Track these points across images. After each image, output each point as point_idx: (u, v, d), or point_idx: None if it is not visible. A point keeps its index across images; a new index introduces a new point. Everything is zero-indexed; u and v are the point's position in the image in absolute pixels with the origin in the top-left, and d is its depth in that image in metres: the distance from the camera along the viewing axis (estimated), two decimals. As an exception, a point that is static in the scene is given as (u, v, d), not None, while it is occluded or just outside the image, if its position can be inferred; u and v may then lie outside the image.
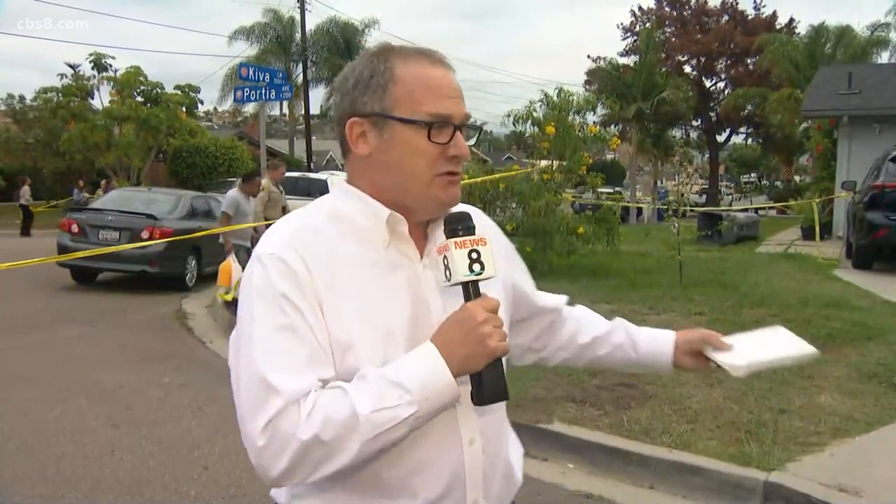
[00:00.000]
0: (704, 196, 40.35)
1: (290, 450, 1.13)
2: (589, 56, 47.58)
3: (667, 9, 43.51)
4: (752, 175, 68.46)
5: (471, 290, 1.23)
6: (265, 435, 1.13)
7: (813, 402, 4.90)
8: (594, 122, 14.38)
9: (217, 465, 4.35)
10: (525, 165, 13.21)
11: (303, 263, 1.21)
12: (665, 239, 11.24)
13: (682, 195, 11.00)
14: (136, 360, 7.00)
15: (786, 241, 17.12)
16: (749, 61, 40.43)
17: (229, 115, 62.24)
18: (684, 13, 43.52)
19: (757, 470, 3.86)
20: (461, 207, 1.32)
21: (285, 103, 34.60)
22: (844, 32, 31.30)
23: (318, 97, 55.21)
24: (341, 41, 34.23)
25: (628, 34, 43.77)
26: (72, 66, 27.99)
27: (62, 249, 10.52)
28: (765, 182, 62.20)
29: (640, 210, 30.45)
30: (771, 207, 32.25)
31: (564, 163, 11.14)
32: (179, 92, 27.77)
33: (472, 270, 1.21)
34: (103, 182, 25.91)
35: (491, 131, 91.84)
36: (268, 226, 1.31)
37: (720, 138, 46.91)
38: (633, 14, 44.19)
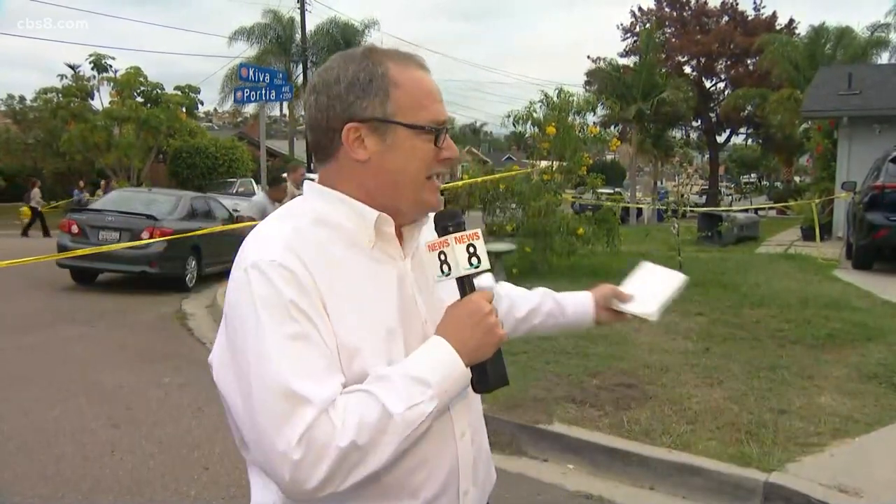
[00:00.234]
0: (704, 196, 40.36)
1: (328, 458, 1.09)
2: (589, 56, 47.64)
3: (667, 9, 43.52)
4: (752, 175, 68.47)
5: (466, 284, 1.27)
6: (300, 448, 1.08)
7: (813, 402, 4.90)
8: (594, 123, 14.40)
9: (217, 466, 4.35)
10: (525, 166, 13.21)
11: (305, 269, 1.17)
12: (665, 239, 11.24)
13: (682, 196, 11.02)
14: (136, 361, 7.00)
15: (786, 242, 17.11)
16: (749, 62, 40.43)
17: (229, 115, 62.24)
18: (684, 14, 43.54)
19: (757, 470, 3.86)
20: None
21: (285, 104, 34.52)
22: (844, 33, 31.30)
23: (318, 98, 54.82)
24: (341, 42, 34.16)
25: (628, 35, 43.82)
26: (72, 67, 28.02)
27: (62, 250, 10.52)
28: (765, 182, 62.21)
29: (640, 211, 30.45)
30: (771, 208, 32.25)
31: (564, 163, 11.14)
32: (179, 92, 27.78)
33: (471, 264, 1.26)
34: (103, 182, 25.92)
35: (491, 132, 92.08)
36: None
37: (720, 139, 46.92)
38: (633, 14, 44.26)
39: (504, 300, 1.75)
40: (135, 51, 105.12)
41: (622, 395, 5.02)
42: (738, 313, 7.66)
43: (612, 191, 24.06)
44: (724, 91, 43.70)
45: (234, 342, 1.18)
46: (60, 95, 26.86)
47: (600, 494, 3.97)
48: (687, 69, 43.53)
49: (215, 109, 59.04)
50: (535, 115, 11.24)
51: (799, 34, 37.28)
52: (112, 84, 26.54)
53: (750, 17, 42.54)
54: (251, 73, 12.97)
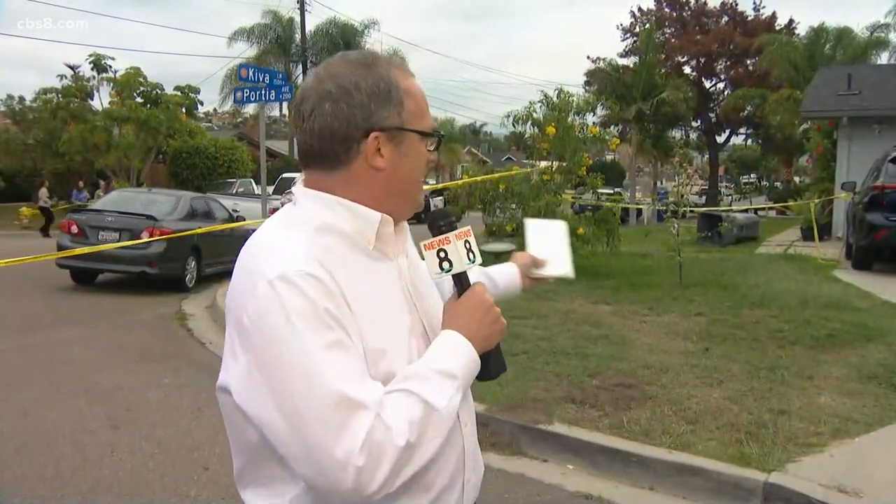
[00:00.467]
0: (704, 197, 40.37)
1: (387, 460, 1.10)
2: (588, 57, 47.56)
3: (666, 9, 43.53)
4: (752, 176, 68.45)
5: (463, 279, 1.34)
6: (363, 453, 1.09)
7: (813, 402, 4.90)
8: (594, 123, 14.38)
9: (217, 466, 4.35)
10: (525, 166, 13.21)
11: (330, 276, 1.17)
12: (665, 240, 11.21)
13: (682, 196, 10.99)
14: (135, 361, 7.00)
15: (785, 242, 17.11)
16: (749, 62, 40.44)
17: (229, 115, 62.19)
18: (684, 14, 43.54)
19: (757, 471, 3.86)
20: None
21: (285, 104, 34.54)
22: (844, 33, 31.31)
23: (317, 98, 54.81)
24: (341, 42, 34.23)
25: (628, 35, 43.81)
26: (71, 67, 27.97)
27: (61, 250, 10.51)
28: (764, 183, 62.18)
29: (639, 211, 30.43)
30: (771, 208, 32.24)
31: (564, 163, 11.14)
32: (179, 93, 27.77)
33: (470, 259, 1.33)
34: (103, 183, 25.90)
35: (490, 132, 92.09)
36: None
37: (720, 139, 46.92)
38: (633, 15, 44.27)
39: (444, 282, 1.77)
40: (134, 51, 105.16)
41: (622, 395, 5.02)
42: (738, 314, 7.67)
43: (611, 191, 24.04)
44: (723, 91, 43.72)
45: (268, 359, 1.14)
46: (60, 96, 26.82)
47: (600, 495, 3.97)
48: (687, 69, 43.53)
49: (215, 110, 59.10)
50: (534, 115, 11.24)
51: (798, 34, 37.30)
52: (112, 84, 26.52)
53: (750, 18, 42.56)
54: (251, 73, 12.93)
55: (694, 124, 45.11)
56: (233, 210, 14.17)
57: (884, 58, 30.82)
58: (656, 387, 5.21)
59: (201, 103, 30.38)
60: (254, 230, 1.36)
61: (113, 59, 26.71)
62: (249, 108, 34.47)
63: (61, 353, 7.18)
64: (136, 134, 25.89)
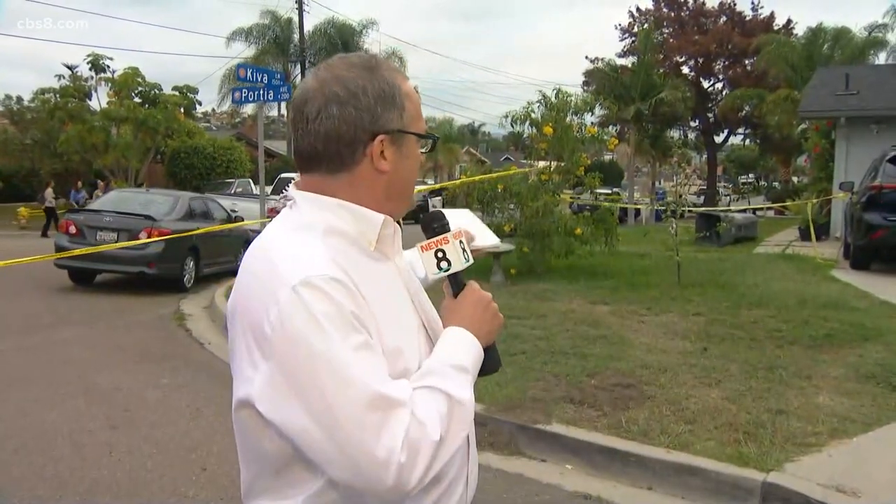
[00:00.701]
0: (702, 197, 40.37)
1: (424, 455, 1.13)
2: (587, 57, 47.43)
3: (665, 9, 43.52)
4: (750, 176, 68.51)
5: (459, 277, 1.38)
6: (405, 450, 1.10)
7: (811, 402, 4.91)
8: (592, 123, 14.38)
9: (215, 467, 4.35)
10: (524, 166, 13.21)
11: (350, 279, 1.18)
12: (663, 240, 11.22)
13: (680, 196, 10.99)
14: (134, 362, 7.00)
15: (784, 242, 17.13)
16: (747, 62, 40.44)
17: (227, 116, 62.17)
18: (682, 14, 43.54)
19: (755, 470, 3.86)
20: None
21: (283, 104, 34.55)
22: (842, 33, 31.32)
23: (316, 98, 54.81)
24: (339, 42, 34.25)
25: (626, 35, 43.79)
26: (69, 67, 27.96)
27: (60, 251, 10.51)
28: (763, 183, 62.25)
29: (638, 211, 30.44)
30: (769, 208, 32.27)
31: (562, 163, 11.15)
32: (177, 93, 27.76)
33: (465, 259, 1.38)
34: (101, 183, 25.89)
35: (489, 132, 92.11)
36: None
37: (718, 139, 46.94)
38: (631, 15, 44.25)
39: None
40: (133, 51, 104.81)
41: (620, 395, 5.03)
42: (736, 314, 7.67)
43: (610, 191, 24.05)
44: (721, 91, 43.71)
45: (297, 365, 1.12)
46: (58, 96, 26.80)
47: (598, 495, 3.97)
48: (685, 69, 43.53)
49: (213, 110, 59.05)
50: (532, 115, 11.25)
51: (796, 35, 37.33)
52: (110, 84, 26.52)
53: (748, 18, 42.57)
54: (249, 73, 12.92)
55: (692, 124, 45.12)
56: (231, 210, 14.18)
57: (882, 58, 30.90)
58: (655, 387, 5.21)
59: (199, 103, 30.42)
60: (253, 230, 1.36)
61: (111, 59, 26.73)
62: (248, 109, 34.58)
63: (60, 354, 7.18)
64: (135, 134, 25.90)
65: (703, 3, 43.18)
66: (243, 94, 12.95)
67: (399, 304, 1.31)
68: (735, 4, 42.81)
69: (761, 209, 32.68)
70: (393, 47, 36.94)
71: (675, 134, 43.75)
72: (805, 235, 16.16)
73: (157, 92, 26.76)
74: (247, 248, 1.36)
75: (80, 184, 25.65)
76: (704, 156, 50.88)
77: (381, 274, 1.29)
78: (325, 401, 1.11)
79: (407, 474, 1.11)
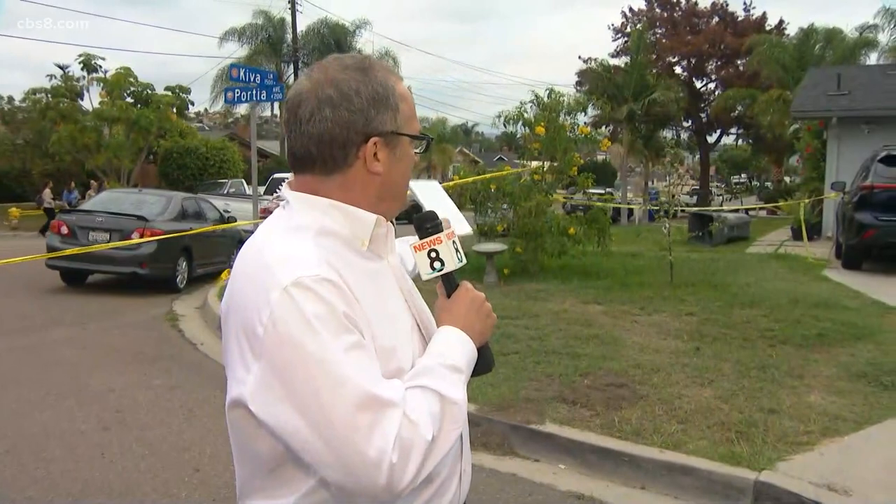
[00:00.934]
0: (695, 197, 40.48)
1: (416, 455, 1.13)
2: (580, 57, 47.57)
3: (657, 10, 43.58)
4: (743, 176, 68.73)
5: (452, 277, 1.39)
6: (396, 450, 1.10)
7: (803, 401, 4.93)
8: (585, 123, 14.41)
9: (208, 468, 4.34)
10: (517, 166, 13.22)
11: (342, 279, 1.18)
12: (656, 240, 11.27)
13: (673, 196, 11.02)
14: (126, 363, 6.97)
15: (776, 242, 17.19)
16: (739, 62, 40.53)
17: (220, 116, 62.05)
18: (675, 14, 43.60)
19: (747, 469, 3.88)
20: None
21: (276, 104, 34.50)
22: (833, 34, 31.43)
23: (309, 98, 54.78)
24: (332, 42, 34.22)
25: (619, 35, 43.85)
26: (61, 67, 27.87)
27: (52, 251, 10.47)
28: (755, 183, 62.46)
29: (631, 211, 30.51)
30: (761, 208, 32.38)
31: (555, 163, 11.16)
32: (170, 93, 27.68)
33: (459, 259, 1.38)
34: (94, 183, 25.80)
35: (482, 132, 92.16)
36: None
37: (711, 139, 47.03)
38: (624, 15, 44.31)
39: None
40: (125, 51, 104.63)
41: (613, 395, 5.04)
42: (729, 313, 7.69)
43: (603, 191, 24.10)
44: (714, 91, 43.80)
45: (289, 366, 1.12)
46: (49, 96, 26.71)
47: (591, 494, 3.98)
48: (678, 70, 43.59)
49: (206, 110, 58.90)
50: (525, 115, 11.25)
51: (788, 35, 37.44)
52: (102, 84, 26.41)
53: (740, 18, 42.67)
54: (242, 73, 12.87)
55: (685, 124, 45.16)
56: (224, 211, 14.14)
57: (873, 58, 30.98)
58: (647, 386, 5.23)
59: (192, 103, 30.31)
60: (246, 231, 1.36)
61: (103, 59, 26.62)
62: (241, 109, 34.49)
63: (52, 355, 7.15)
64: (127, 134, 25.79)
65: (696, 4, 43.26)
66: (236, 95, 12.92)
67: (392, 304, 1.31)
68: (727, 5, 42.91)
69: (754, 209, 32.78)
70: (386, 47, 36.94)
71: (667, 134, 43.75)
72: (797, 235, 16.22)
73: (149, 92, 26.65)
74: (240, 248, 1.36)
75: (72, 184, 25.56)
76: (697, 156, 51.05)
77: (374, 273, 1.30)
78: (316, 401, 1.11)
79: (399, 474, 1.11)
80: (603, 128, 33.00)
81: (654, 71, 37.19)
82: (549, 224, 10.72)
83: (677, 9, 43.53)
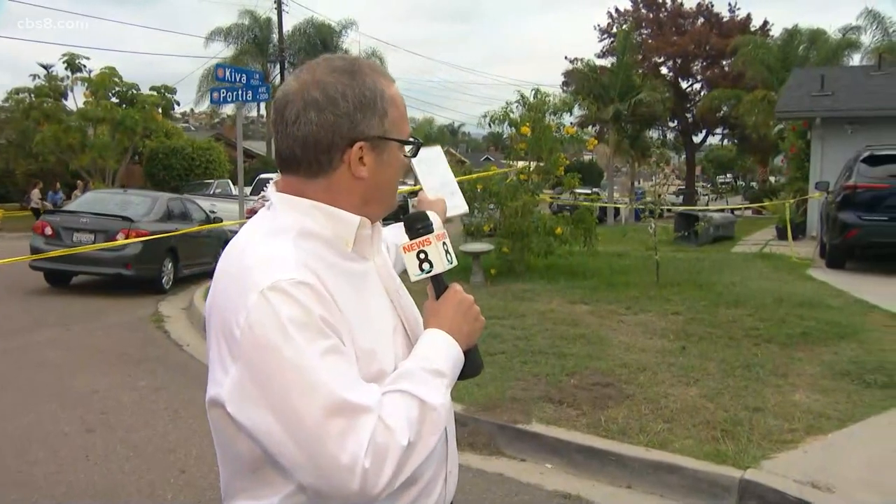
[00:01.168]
0: (681, 196, 40.68)
1: (391, 460, 1.12)
2: (566, 57, 47.58)
3: (643, 10, 43.80)
4: (728, 176, 69.10)
5: (441, 278, 1.37)
6: (369, 456, 1.10)
7: (787, 399, 4.96)
8: (571, 123, 14.43)
9: (194, 469, 4.32)
10: (503, 167, 13.24)
11: (320, 282, 1.17)
12: (642, 239, 11.33)
13: (659, 196, 11.07)
14: (111, 364, 6.92)
15: (761, 241, 17.29)
16: (724, 63, 40.77)
17: (206, 116, 61.73)
18: (660, 15, 43.82)
19: (732, 468, 3.90)
20: None
21: (263, 105, 34.39)
22: (817, 35, 31.65)
23: (295, 98, 54.66)
24: (318, 42, 34.16)
25: (605, 36, 44.04)
26: (45, 67, 27.61)
27: (35, 252, 10.39)
28: (740, 182, 62.81)
29: (617, 210, 30.63)
30: (747, 208, 32.58)
31: (542, 164, 11.18)
32: (155, 93, 27.50)
33: (448, 260, 1.37)
34: (80, 183, 25.60)
35: (469, 132, 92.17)
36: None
37: (696, 139, 47.30)
38: (610, 16, 44.50)
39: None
40: (110, 51, 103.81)
41: (599, 394, 5.05)
42: (714, 312, 7.73)
43: (589, 191, 24.18)
44: (700, 92, 44.05)
45: (265, 370, 1.12)
46: (33, 96, 26.46)
47: (578, 494, 3.99)
48: (663, 70, 43.82)
49: (192, 110, 58.59)
50: (511, 115, 11.26)
51: (773, 36, 37.68)
52: (86, 84, 26.21)
53: (725, 19, 42.94)
54: (228, 73, 12.82)
55: (671, 124, 45.43)
56: (210, 211, 14.07)
57: (856, 59, 31.20)
58: (633, 386, 5.25)
59: (178, 104, 30.10)
60: (232, 231, 1.35)
61: (87, 58, 26.38)
62: (227, 109, 34.30)
63: (35, 357, 7.09)
64: (112, 134, 25.58)
65: (681, 5, 43.51)
66: (222, 95, 12.86)
67: (375, 306, 1.31)
68: (712, 6, 43.19)
69: (739, 209, 33.00)
70: (373, 47, 36.89)
71: (653, 134, 44.04)
72: (782, 235, 16.34)
73: (134, 92, 26.46)
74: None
75: (57, 185, 25.35)
76: (683, 156, 51.29)
77: (357, 275, 1.29)
78: (290, 406, 1.11)
79: (372, 480, 1.11)
80: (589, 128, 33.11)
81: (641, 71, 37.40)
82: (535, 224, 10.74)
83: (663, 9, 43.75)
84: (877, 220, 10.82)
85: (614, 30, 41.76)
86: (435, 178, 2.02)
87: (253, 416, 1.14)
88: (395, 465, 1.13)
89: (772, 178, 42.26)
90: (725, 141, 51.59)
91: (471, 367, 1.36)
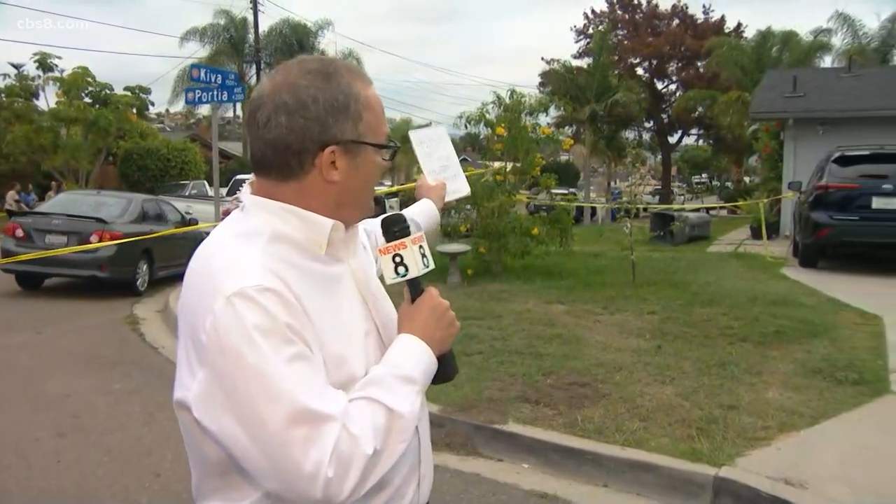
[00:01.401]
0: (657, 196, 40.97)
1: (356, 469, 1.12)
2: (543, 58, 47.69)
3: (619, 11, 44.07)
4: (703, 176, 69.76)
5: (418, 282, 1.36)
6: (332, 465, 1.09)
7: (761, 397, 5.02)
8: (548, 124, 14.49)
9: (169, 472, 4.27)
10: (480, 167, 13.25)
11: (287, 287, 1.16)
12: (618, 239, 11.37)
13: (635, 196, 11.14)
14: (84, 367, 6.84)
15: (736, 241, 17.46)
16: (699, 64, 41.15)
17: (182, 117, 61.14)
18: (636, 16, 44.11)
19: (707, 466, 3.94)
20: None
21: (239, 105, 34.15)
22: (789, 37, 32.03)
23: (272, 99, 54.28)
24: (294, 43, 34.00)
25: (581, 37, 44.24)
26: (15, 66, 27.24)
27: (6, 255, 10.23)
28: (715, 182, 63.44)
29: (594, 210, 30.79)
30: (722, 207, 32.89)
31: (518, 164, 11.20)
32: (129, 93, 27.21)
33: (424, 264, 1.35)
34: (54, 184, 25.27)
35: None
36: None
37: (672, 140, 47.67)
38: (586, 17, 44.72)
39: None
40: (84, 50, 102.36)
41: (576, 394, 5.07)
42: (690, 312, 7.80)
43: (566, 191, 24.27)
44: (675, 93, 44.40)
45: (230, 376, 1.12)
46: (3, 95, 26.08)
47: (555, 493, 4.00)
48: (639, 71, 44.11)
49: (167, 111, 57.97)
50: (487, 116, 11.27)
51: (746, 38, 38.07)
52: (58, 84, 25.87)
53: (699, 21, 43.33)
54: (203, 73, 12.71)
55: (647, 125, 45.77)
56: (186, 213, 13.94)
57: (827, 61, 31.63)
58: (610, 385, 5.27)
59: (152, 104, 29.82)
60: (207, 233, 1.34)
61: (59, 57, 26.04)
62: (203, 109, 34.07)
63: (5, 361, 6.98)
64: (85, 135, 25.27)
65: (657, 6, 43.82)
66: (197, 95, 12.76)
67: (348, 309, 1.29)
68: (687, 7, 43.57)
69: (714, 208, 33.31)
70: (350, 48, 36.78)
71: (629, 134, 44.36)
72: (756, 234, 16.50)
73: (107, 92, 26.16)
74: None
75: (30, 186, 25.00)
76: (659, 156, 51.70)
77: (329, 279, 1.28)
78: (254, 413, 1.10)
79: (336, 488, 1.10)
80: (566, 128, 33.27)
81: (617, 72, 37.61)
82: (512, 224, 10.76)
83: (639, 11, 44.05)
84: (848, 220, 10.98)
85: (590, 31, 41.97)
86: (436, 160, 2.00)
87: (219, 422, 1.13)
88: (360, 473, 1.12)
89: (746, 178, 42.68)
90: (701, 141, 52.07)
91: (444, 372, 1.34)
